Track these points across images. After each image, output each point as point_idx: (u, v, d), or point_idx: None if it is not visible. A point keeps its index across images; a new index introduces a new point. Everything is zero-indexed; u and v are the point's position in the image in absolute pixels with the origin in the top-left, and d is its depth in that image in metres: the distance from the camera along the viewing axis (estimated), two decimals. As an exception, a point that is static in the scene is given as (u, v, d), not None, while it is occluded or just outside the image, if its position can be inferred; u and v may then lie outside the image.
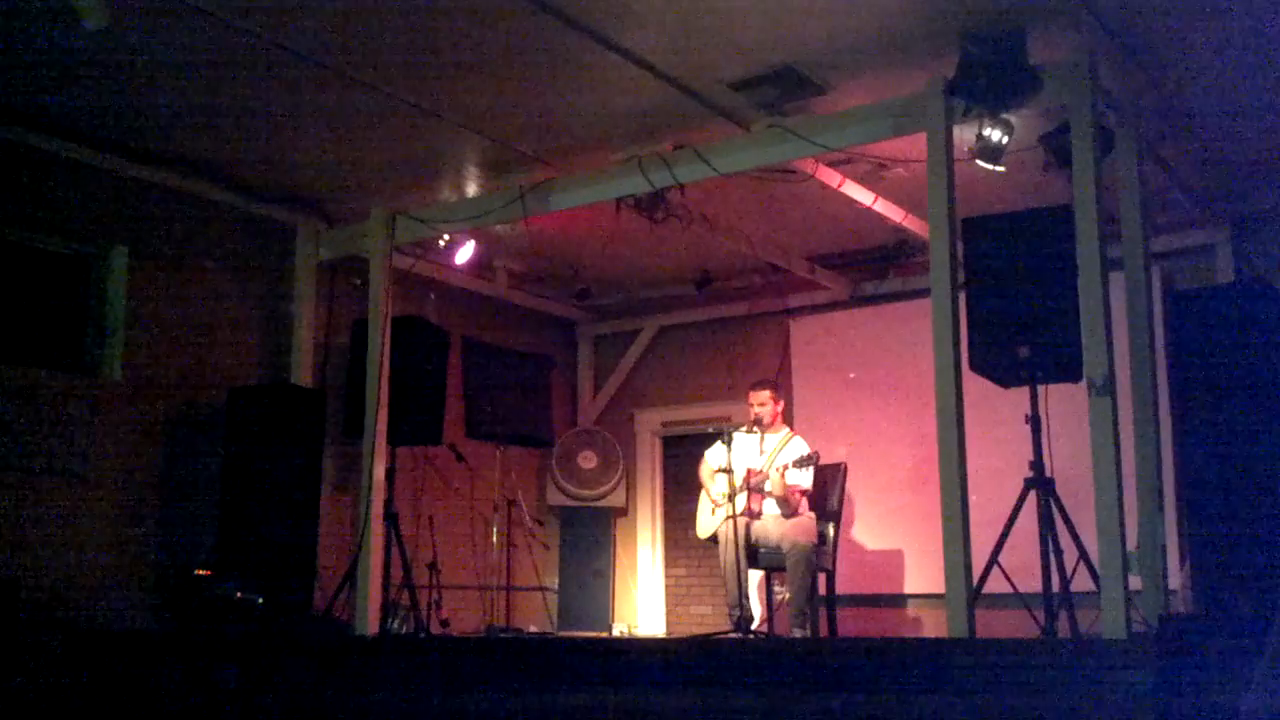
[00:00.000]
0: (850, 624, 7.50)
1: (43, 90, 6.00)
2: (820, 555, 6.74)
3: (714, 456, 7.00)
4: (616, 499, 9.44)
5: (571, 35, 5.38)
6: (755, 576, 7.34)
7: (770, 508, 6.76)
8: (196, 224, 7.16)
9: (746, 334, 9.32)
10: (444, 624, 7.36)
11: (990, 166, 5.86)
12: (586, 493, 9.34)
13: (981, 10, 5.17)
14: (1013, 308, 5.20)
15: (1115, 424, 4.91)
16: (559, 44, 5.47)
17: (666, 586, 9.58)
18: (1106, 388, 4.91)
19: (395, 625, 6.88)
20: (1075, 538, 5.19)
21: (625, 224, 7.25)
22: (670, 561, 9.60)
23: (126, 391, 6.73)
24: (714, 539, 6.83)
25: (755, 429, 6.95)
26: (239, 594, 6.24)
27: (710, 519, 6.93)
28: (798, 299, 9.04)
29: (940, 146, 5.38)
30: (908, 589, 8.09)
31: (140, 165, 6.78)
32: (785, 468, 6.66)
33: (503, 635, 7.80)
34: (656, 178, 6.30)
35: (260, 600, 6.26)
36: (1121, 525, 4.84)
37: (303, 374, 7.47)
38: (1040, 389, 5.31)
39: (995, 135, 5.70)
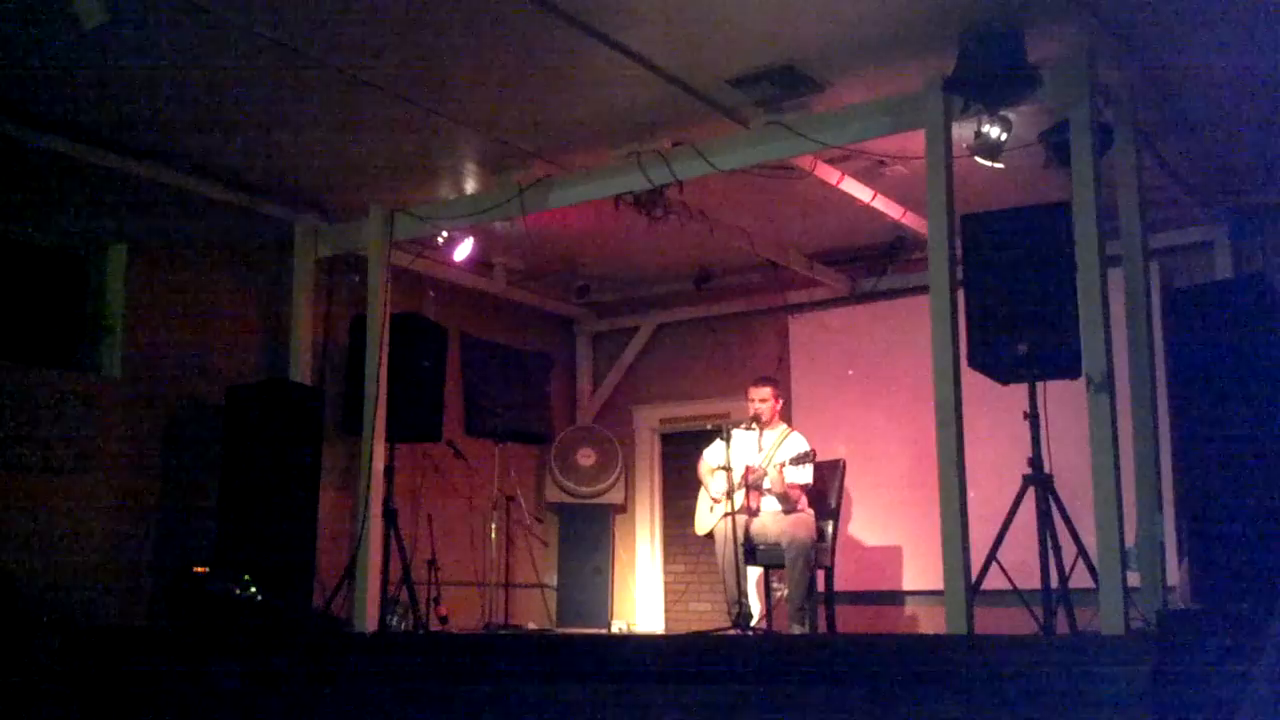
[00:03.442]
0: (849, 621, 7.50)
1: (41, 87, 5.99)
2: (819, 552, 6.74)
3: (713, 454, 7.00)
4: (615, 496, 9.44)
5: (570, 32, 5.37)
6: (754, 573, 7.34)
7: (768, 504, 6.77)
8: (195, 221, 7.15)
9: (745, 331, 9.33)
10: (443, 621, 7.37)
11: (989, 163, 5.86)
12: (585, 490, 9.34)
13: (980, 7, 5.16)
14: (1011, 304, 5.20)
15: (1114, 420, 4.92)
16: (558, 41, 5.47)
17: (665, 583, 9.58)
18: (1105, 384, 4.92)
19: (394, 622, 6.89)
20: (1074, 534, 5.19)
21: (624, 221, 7.25)
22: (669, 558, 9.60)
23: (125, 389, 6.73)
24: (712, 535, 6.83)
25: (754, 426, 6.95)
26: (237, 591, 6.24)
27: (709, 515, 6.93)
28: (797, 296, 9.03)
29: (939, 143, 5.38)
30: (906, 586, 8.09)
31: (139, 163, 6.78)
32: (783, 465, 6.66)
33: (501, 632, 7.81)
34: (655, 175, 6.30)
35: (259, 597, 6.26)
36: (1120, 522, 4.85)
37: (301, 371, 7.47)
38: (1039, 385, 5.31)
39: (994, 132, 5.71)
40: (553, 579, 9.30)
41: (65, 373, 6.53)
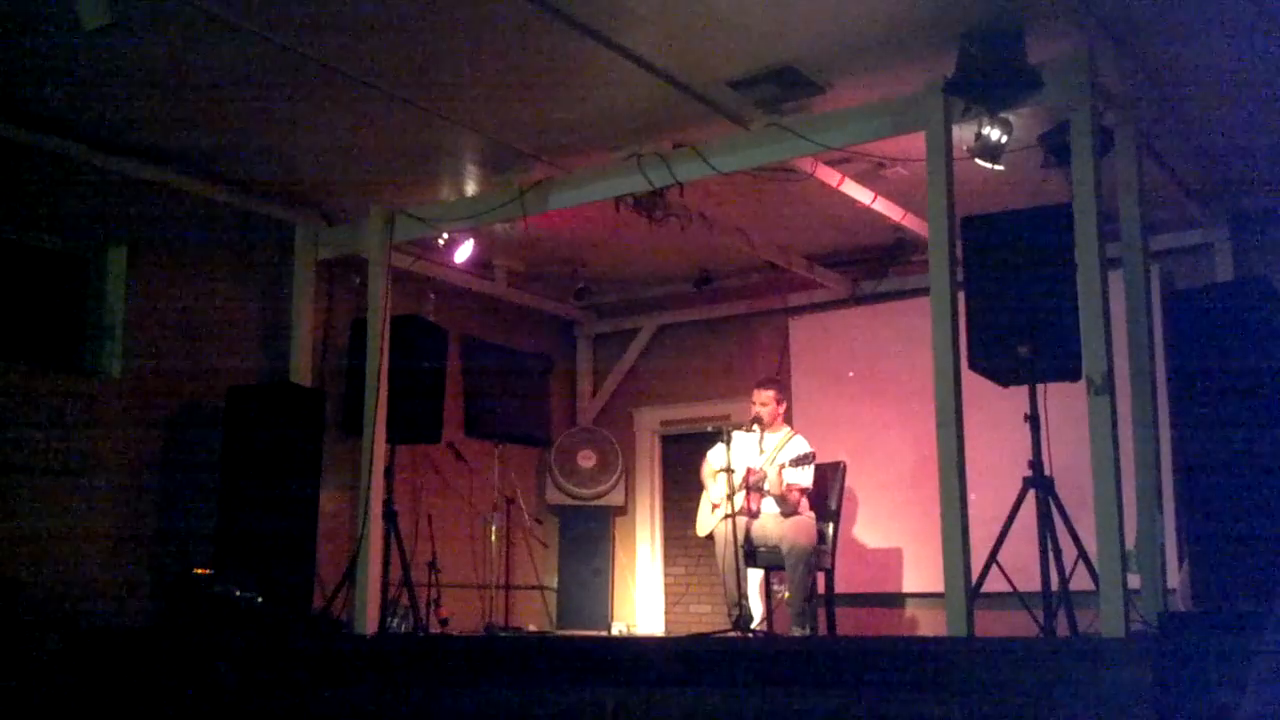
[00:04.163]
0: (849, 623, 7.50)
1: (41, 88, 6.00)
2: (819, 554, 6.74)
3: (715, 457, 6.99)
4: (615, 498, 9.44)
5: (571, 34, 5.37)
6: (755, 575, 7.34)
7: (769, 506, 6.76)
8: (195, 222, 7.16)
9: (746, 333, 9.33)
10: (443, 623, 7.37)
11: (989, 165, 5.86)
12: (585, 491, 9.34)
13: (981, 9, 5.17)
14: (1012, 306, 5.19)
15: (1114, 422, 4.91)
16: (558, 43, 5.47)
17: (665, 585, 9.58)
18: (1105, 386, 4.91)
19: (394, 624, 6.88)
20: (1074, 536, 5.18)
21: (624, 223, 7.24)
22: (669, 560, 9.60)
23: (125, 390, 6.73)
24: (712, 537, 6.83)
25: (755, 428, 6.95)
26: (238, 593, 6.24)
27: (710, 517, 6.93)
28: (797, 298, 9.04)
29: (939, 145, 5.37)
30: (907, 588, 8.09)
31: (139, 163, 6.78)
32: (783, 466, 6.66)
33: (502, 634, 7.81)
34: (656, 176, 6.30)
35: (259, 599, 6.26)
36: (1120, 524, 4.84)
37: (302, 373, 7.47)
38: (1039, 387, 5.31)
39: (994, 134, 5.71)
40: (553, 581, 9.30)
41: (66, 374, 6.53)
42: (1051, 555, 5.15)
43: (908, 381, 7.63)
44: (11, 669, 5.61)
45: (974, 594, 4.97)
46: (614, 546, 9.47)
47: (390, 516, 6.86)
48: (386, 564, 6.80)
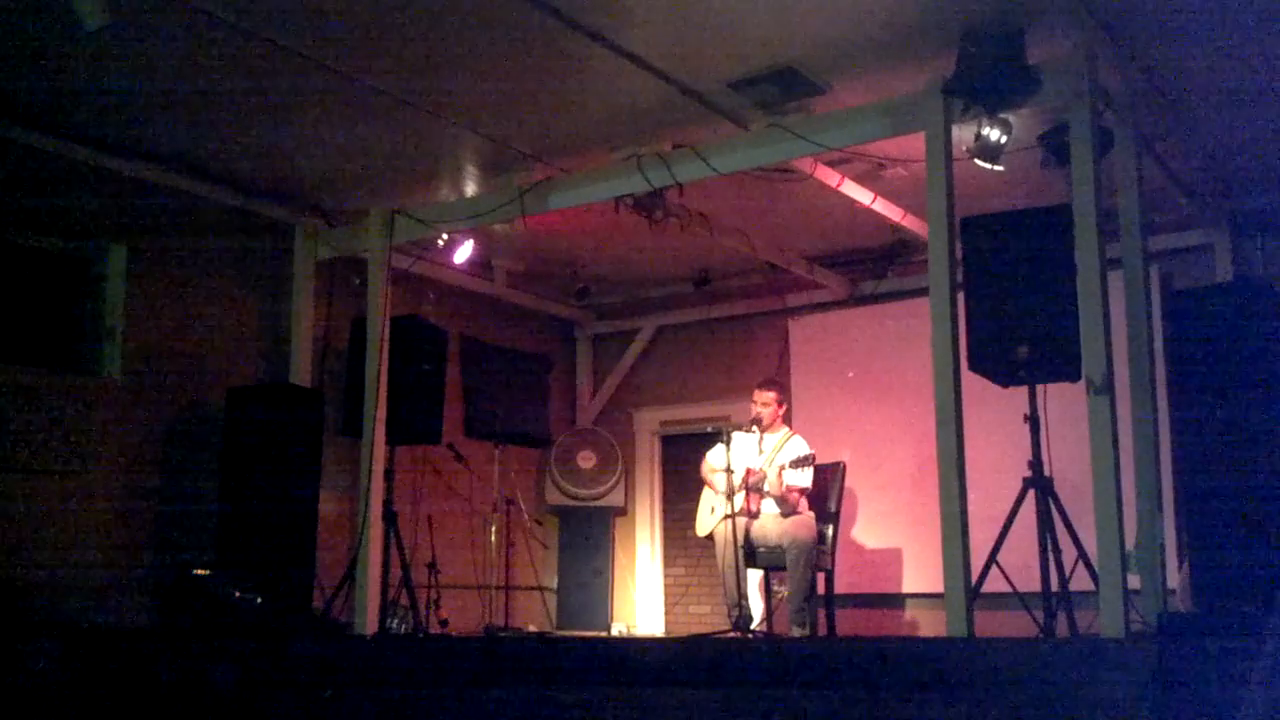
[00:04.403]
0: (849, 623, 7.50)
1: (41, 89, 6.00)
2: (819, 554, 6.74)
3: (715, 457, 6.99)
4: (615, 498, 9.44)
5: (571, 34, 5.37)
6: (755, 576, 7.34)
7: (768, 507, 6.77)
8: (195, 223, 7.15)
9: (745, 333, 9.33)
10: (443, 624, 7.37)
11: (989, 165, 5.87)
12: (585, 492, 9.34)
13: (981, 10, 5.17)
14: (1011, 307, 5.20)
15: (1114, 423, 4.91)
16: (558, 43, 5.47)
17: (665, 586, 9.58)
18: (1105, 387, 4.92)
19: (394, 625, 6.88)
20: (1074, 537, 5.19)
21: (624, 223, 7.25)
22: (669, 561, 9.60)
23: (125, 391, 6.73)
24: (712, 538, 6.83)
25: (754, 428, 6.95)
26: (238, 593, 6.24)
27: (710, 517, 6.94)
28: (796, 298, 9.04)
29: (939, 146, 5.37)
30: (906, 588, 8.09)
31: (139, 164, 6.78)
32: (783, 467, 6.66)
33: (501, 635, 7.80)
34: (655, 177, 6.30)
35: (259, 600, 6.26)
36: (1120, 524, 4.84)
37: (301, 373, 7.47)
38: (1039, 388, 5.32)
39: (994, 134, 5.71)
40: (553, 581, 9.30)
41: (66, 374, 6.53)
42: (1051, 555, 5.15)
43: (907, 382, 7.64)
44: (10, 669, 5.60)
45: (974, 594, 4.98)
46: (614, 547, 9.47)
47: (390, 517, 6.86)
48: (386, 565, 6.79)
